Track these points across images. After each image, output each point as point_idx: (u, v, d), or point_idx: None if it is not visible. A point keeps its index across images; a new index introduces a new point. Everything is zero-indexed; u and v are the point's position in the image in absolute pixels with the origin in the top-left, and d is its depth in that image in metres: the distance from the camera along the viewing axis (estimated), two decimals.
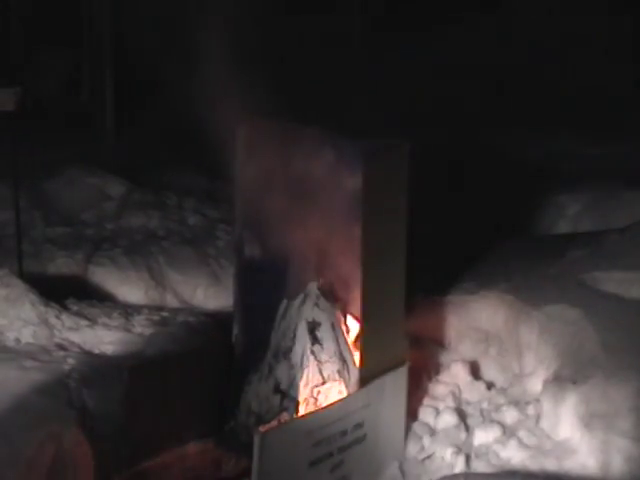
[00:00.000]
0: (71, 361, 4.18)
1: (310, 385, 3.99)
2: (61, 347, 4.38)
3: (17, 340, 4.40)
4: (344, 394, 3.94)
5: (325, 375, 4.00)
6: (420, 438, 4.25)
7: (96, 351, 4.40)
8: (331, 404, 3.82)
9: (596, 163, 7.71)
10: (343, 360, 4.01)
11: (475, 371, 4.79)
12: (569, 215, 6.97)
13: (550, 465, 3.91)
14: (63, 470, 3.54)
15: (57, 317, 4.65)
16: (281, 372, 4.06)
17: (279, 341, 4.12)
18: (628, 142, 8.04)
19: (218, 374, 4.18)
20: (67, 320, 4.66)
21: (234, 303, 4.36)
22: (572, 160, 7.81)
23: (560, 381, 4.21)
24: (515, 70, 8.91)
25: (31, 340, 4.41)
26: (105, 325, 4.69)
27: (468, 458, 4.09)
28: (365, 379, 3.88)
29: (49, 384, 3.93)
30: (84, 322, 4.68)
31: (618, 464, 3.76)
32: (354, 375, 3.97)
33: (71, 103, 9.05)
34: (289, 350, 4.07)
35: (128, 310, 5.03)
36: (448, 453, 4.13)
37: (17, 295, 4.66)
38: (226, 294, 5.31)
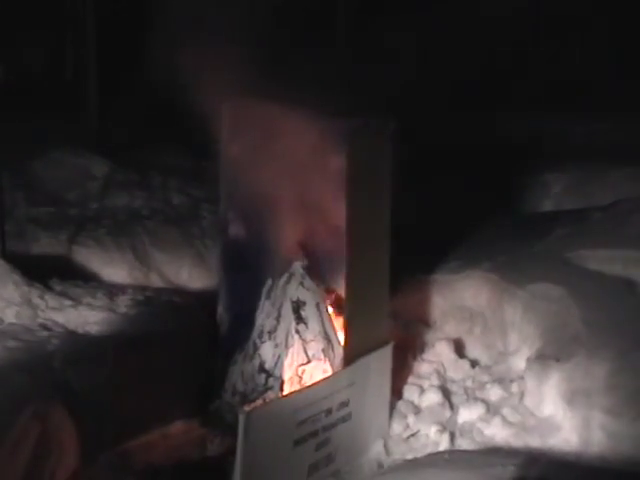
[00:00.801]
0: (55, 341, 4.16)
1: (295, 364, 3.99)
2: (45, 327, 4.36)
3: (0, 320, 4.38)
4: (329, 373, 3.95)
5: (310, 354, 4.01)
6: (405, 416, 4.27)
7: (80, 331, 4.39)
8: (316, 383, 3.83)
9: (580, 142, 7.73)
10: (328, 339, 4.02)
11: (459, 349, 4.82)
12: (554, 194, 6.99)
13: (534, 442, 3.95)
14: (48, 450, 3.52)
15: (41, 297, 4.63)
16: (266, 351, 4.06)
17: (264, 320, 4.12)
18: (611, 120, 8.06)
19: (203, 354, 4.18)
20: (51, 300, 4.64)
21: (219, 283, 4.36)
22: (556, 139, 7.82)
23: (544, 359, 4.24)
24: (498, 52, 8.92)
25: (14, 320, 4.39)
26: (89, 305, 4.67)
27: (452, 436, 4.12)
28: (350, 358, 3.89)
29: (33, 364, 3.91)
30: (68, 302, 4.66)
31: (600, 440, 3.80)
32: (339, 354, 3.97)
33: (55, 82, 8.97)
34: (274, 329, 4.07)
35: (112, 290, 5.01)
36: (432, 431, 4.15)
37: (0, 275, 4.63)
38: (210, 274, 5.31)
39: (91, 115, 8.22)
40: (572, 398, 3.96)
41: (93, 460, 3.66)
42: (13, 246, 5.26)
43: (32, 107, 7.61)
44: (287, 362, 4.00)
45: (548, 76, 9.07)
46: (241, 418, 3.34)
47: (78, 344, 4.16)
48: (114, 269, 5.58)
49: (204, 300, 4.86)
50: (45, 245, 5.68)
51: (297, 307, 4.04)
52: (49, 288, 4.79)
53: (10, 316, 4.42)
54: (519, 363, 4.51)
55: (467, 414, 4.25)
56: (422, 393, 4.43)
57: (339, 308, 4.11)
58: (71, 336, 4.29)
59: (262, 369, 4.04)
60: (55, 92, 8.64)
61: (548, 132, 7.96)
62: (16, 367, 3.85)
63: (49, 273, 5.03)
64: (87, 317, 4.52)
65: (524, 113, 8.41)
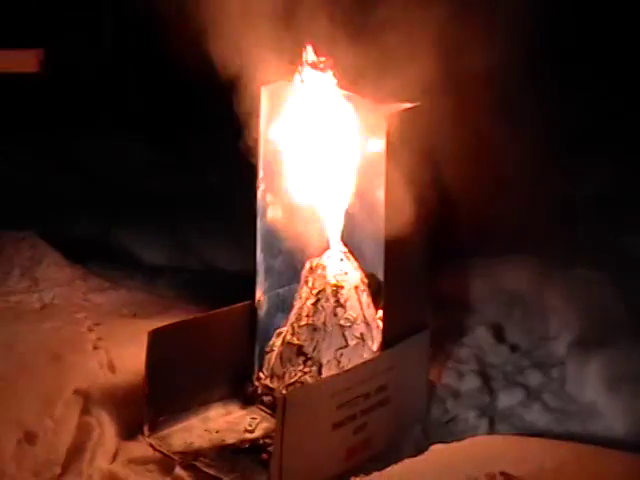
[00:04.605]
0: (96, 322, 4.21)
1: (333, 348, 3.98)
2: (85, 308, 4.41)
3: (42, 301, 4.43)
4: (367, 357, 3.93)
5: (348, 338, 3.99)
6: (443, 401, 4.25)
7: (120, 312, 4.43)
8: (355, 367, 3.82)
9: (620, 120, 7.56)
10: (366, 323, 4.00)
11: (499, 334, 4.77)
12: (595, 177, 6.87)
13: (575, 428, 3.90)
14: (89, 428, 3.57)
15: (82, 279, 4.69)
16: (304, 335, 4.05)
17: (302, 303, 4.11)
18: None
19: (241, 336, 4.18)
20: (91, 281, 4.69)
21: (256, 265, 4.35)
22: (598, 120, 7.67)
23: (585, 344, 4.19)
24: None
25: (56, 301, 4.45)
26: (128, 287, 4.72)
27: (492, 421, 4.08)
28: (388, 342, 3.87)
29: (75, 344, 3.96)
30: (107, 284, 4.71)
31: None
32: (377, 338, 3.96)
33: (93, 64, 9.01)
34: (312, 313, 4.06)
35: (151, 272, 5.05)
36: (471, 416, 4.12)
37: (42, 256, 4.70)
38: (249, 256, 5.30)
39: (131, 97, 8.25)
40: (614, 384, 3.91)
41: (133, 441, 3.69)
42: (54, 228, 5.32)
43: (71, 90, 7.66)
44: (325, 346, 3.99)
45: None
46: (280, 401, 3.34)
47: (118, 325, 4.20)
48: (153, 251, 5.62)
49: (242, 282, 4.86)
50: (85, 227, 5.73)
51: (335, 291, 4.02)
52: (89, 269, 4.84)
53: (52, 297, 4.47)
54: (560, 348, 4.46)
55: (507, 399, 4.21)
56: (461, 377, 4.40)
57: (378, 292, 4.09)
58: (111, 317, 4.32)
59: (300, 352, 4.03)
60: (94, 74, 8.68)
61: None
62: (59, 346, 3.90)
63: (89, 255, 5.08)
64: (126, 298, 4.56)
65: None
